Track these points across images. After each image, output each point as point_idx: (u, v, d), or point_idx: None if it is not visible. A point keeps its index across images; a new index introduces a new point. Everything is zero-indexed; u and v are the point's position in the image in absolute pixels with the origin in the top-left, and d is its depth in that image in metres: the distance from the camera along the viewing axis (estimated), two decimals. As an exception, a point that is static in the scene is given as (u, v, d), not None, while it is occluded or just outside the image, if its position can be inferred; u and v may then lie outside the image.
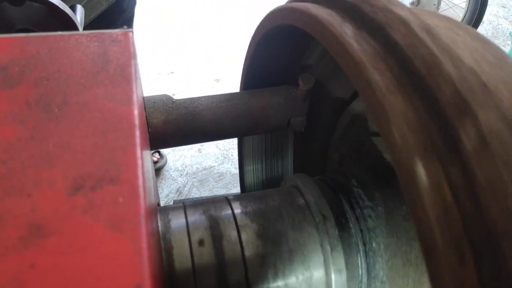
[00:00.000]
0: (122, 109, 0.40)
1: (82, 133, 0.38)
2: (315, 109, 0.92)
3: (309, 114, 0.91)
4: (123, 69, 0.43)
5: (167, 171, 2.18)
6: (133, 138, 0.38)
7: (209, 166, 2.21)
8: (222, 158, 2.25)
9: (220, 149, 2.30)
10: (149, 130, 0.80)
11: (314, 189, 0.69)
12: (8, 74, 0.41)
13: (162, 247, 0.60)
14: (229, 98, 0.87)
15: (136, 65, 0.45)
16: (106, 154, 0.36)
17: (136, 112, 0.40)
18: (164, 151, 2.20)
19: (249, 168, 1.04)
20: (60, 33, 0.47)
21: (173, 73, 2.81)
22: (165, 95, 0.83)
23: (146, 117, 0.79)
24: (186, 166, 2.21)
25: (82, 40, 0.46)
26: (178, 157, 2.25)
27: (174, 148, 2.28)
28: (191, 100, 0.84)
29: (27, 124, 0.38)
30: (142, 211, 0.33)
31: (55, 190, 0.34)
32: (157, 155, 2.13)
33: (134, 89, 0.42)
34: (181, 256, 0.60)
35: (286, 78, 0.91)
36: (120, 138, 0.38)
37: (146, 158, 0.42)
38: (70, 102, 0.40)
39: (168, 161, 2.20)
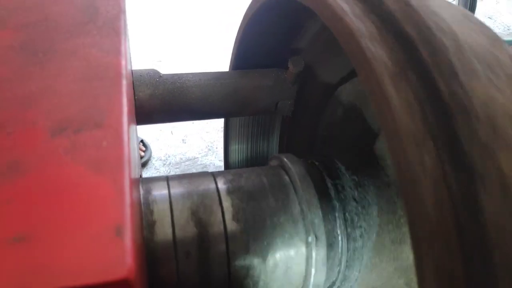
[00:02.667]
0: (109, 59, 0.39)
1: (67, 79, 0.37)
2: (304, 93, 0.92)
3: (297, 98, 0.91)
4: (113, 22, 0.42)
5: (150, 160, 2.15)
6: (119, 86, 0.37)
7: (192, 157, 2.19)
8: (207, 150, 2.24)
9: (205, 140, 2.28)
10: (135, 103, 0.79)
11: (298, 166, 0.69)
12: (-7, 16, 0.40)
13: (143, 217, 0.59)
14: (218, 76, 0.86)
15: (125, 20, 0.44)
16: (91, 99, 0.35)
17: (123, 62, 0.39)
18: (148, 140, 2.17)
19: (234, 147, 1.03)
20: (49, -16, 0.46)
21: (160, 61, 2.77)
22: (152, 69, 0.82)
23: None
24: (169, 156, 2.18)
25: (72, -7, 0.45)
26: (162, 146, 2.22)
27: (158, 137, 2.26)
28: (179, 75, 0.83)
29: (10, 66, 0.37)
30: (126, 155, 0.32)
31: (36, 130, 0.32)
32: (142, 147, 2.11)
33: (123, 41, 0.41)
34: (163, 227, 0.59)
35: (276, 61, 0.91)
36: (106, 85, 0.37)
37: (132, 130, 0.41)
38: (56, 49, 0.39)
39: (151, 150, 2.17)
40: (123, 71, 0.38)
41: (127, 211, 0.29)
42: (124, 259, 0.26)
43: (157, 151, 2.23)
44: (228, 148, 1.04)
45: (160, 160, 2.20)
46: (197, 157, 2.24)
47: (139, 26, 3.09)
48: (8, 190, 0.29)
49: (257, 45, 0.87)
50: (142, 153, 2.10)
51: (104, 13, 0.43)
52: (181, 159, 2.22)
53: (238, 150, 1.05)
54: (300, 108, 0.94)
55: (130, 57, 0.54)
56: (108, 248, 0.27)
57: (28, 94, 0.34)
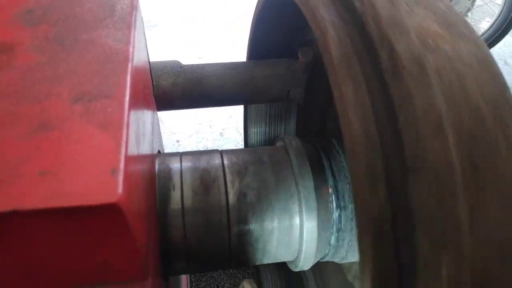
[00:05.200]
0: (120, 47, 0.49)
1: (86, 62, 0.47)
2: (314, 81, 0.98)
3: (308, 85, 0.97)
4: (125, 17, 0.52)
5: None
6: (126, 68, 0.46)
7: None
8: (243, 142, 2.34)
9: (241, 134, 2.39)
10: (158, 91, 0.89)
11: (298, 146, 0.76)
12: (33, 15, 0.51)
13: (157, 186, 0.69)
14: (234, 66, 0.95)
15: (136, 15, 0.54)
16: (103, 78, 0.45)
17: (131, 49, 0.48)
18: (187, 133, 2.30)
19: (253, 130, 1.12)
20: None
21: (200, 58, 2.92)
22: (174, 61, 0.92)
23: (153, 79, 0.88)
24: (207, 148, 2.31)
25: (96, -6, 0.56)
26: (200, 139, 2.36)
27: (197, 130, 2.39)
28: (198, 66, 0.93)
29: (44, 53, 0.47)
30: (125, 119, 0.41)
31: (61, 100, 0.43)
32: None
33: (132, 33, 0.50)
34: (174, 194, 0.69)
35: (288, 52, 0.98)
36: (115, 67, 0.46)
37: (139, 104, 0.49)
38: (79, 39, 0.49)
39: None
40: (130, 56, 0.48)
41: (122, 158, 0.38)
42: (115, 190, 0.36)
43: (196, 143, 2.36)
44: (248, 131, 1.13)
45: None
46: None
47: (182, 26, 3.25)
48: (37, 141, 0.39)
49: (268, 38, 0.95)
50: None
51: (119, 10, 0.53)
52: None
53: (257, 133, 1.13)
54: (311, 95, 1.00)
55: (145, 48, 0.64)
56: (104, 182, 0.36)
57: (56, 75, 0.45)
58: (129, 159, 0.40)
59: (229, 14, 3.42)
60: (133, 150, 0.43)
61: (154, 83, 0.87)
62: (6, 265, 0.39)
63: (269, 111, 1.10)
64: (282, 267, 1.11)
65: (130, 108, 0.43)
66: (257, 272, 1.20)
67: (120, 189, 0.36)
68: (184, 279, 1.11)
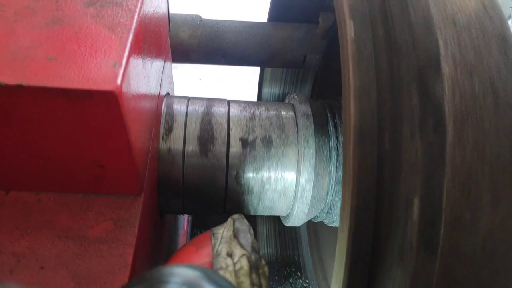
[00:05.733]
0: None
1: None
2: (333, 50, 0.98)
3: (326, 54, 0.97)
4: None
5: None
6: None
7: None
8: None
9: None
10: (176, 41, 0.91)
11: (305, 103, 0.76)
12: None
13: (162, 123, 0.71)
14: (252, 25, 0.95)
15: None
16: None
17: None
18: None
19: (267, 90, 1.13)
20: None
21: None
22: (196, 14, 0.94)
23: (172, 29, 0.90)
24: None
25: None
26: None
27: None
28: (218, 21, 0.94)
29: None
30: (133, 26, 0.43)
31: (75, 2, 0.45)
32: None
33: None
34: (176, 134, 0.70)
35: (310, 17, 0.98)
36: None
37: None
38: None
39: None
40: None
41: (125, 55, 0.40)
42: (114, 80, 0.38)
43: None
44: (262, 90, 1.14)
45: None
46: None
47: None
48: (50, 32, 0.41)
49: (291, 1, 0.95)
50: None
51: None
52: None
53: (271, 93, 1.14)
54: (329, 63, 1.00)
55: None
56: (105, 73, 0.38)
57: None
58: (131, 58, 0.42)
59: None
60: (137, 55, 0.45)
61: (172, 33, 0.89)
62: (9, 140, 0.41)
63: (285, 74, 1.11)
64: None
65: (139, 17, 0.45)
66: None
67: (119, 80, 0.38)
68: (183, 233, 1.14)
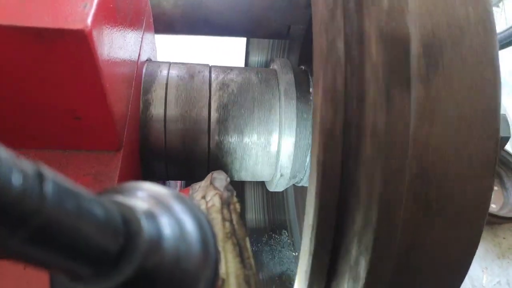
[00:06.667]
0: None
1: None
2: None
3: (311, 25, 0.98)
4: None
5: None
6: None
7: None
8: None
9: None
10: (158, 11, 0.91)
11: (287, 69, 0.77)
12: None
13: (142, 87, 0.71)
14: (235, -6, 0.96)
15: None
16: None
17: None
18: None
19: (254, 59, 1.14)
20: None
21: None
22: (178, -17, 0.94)
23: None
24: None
25: None
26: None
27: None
28: (201, -10, 0.94)
29: None
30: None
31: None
32: None
33: None
34: (157, 100, 0.71)
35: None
36: None
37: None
38: None
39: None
40: None
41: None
42: (85, 20, 0.38)
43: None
44: (248, 59, 1.15)
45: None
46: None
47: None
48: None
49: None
50: None
51: None
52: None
53: (258, 62, 1.15)
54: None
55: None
56: (76, 13, 0.39)
57: None
58: (102, 1, 0.42)
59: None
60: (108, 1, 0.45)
61: (154, 2, 0.89)
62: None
63: (272, 44, 1.12)
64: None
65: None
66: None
67: (89, 20, 0.38)
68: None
